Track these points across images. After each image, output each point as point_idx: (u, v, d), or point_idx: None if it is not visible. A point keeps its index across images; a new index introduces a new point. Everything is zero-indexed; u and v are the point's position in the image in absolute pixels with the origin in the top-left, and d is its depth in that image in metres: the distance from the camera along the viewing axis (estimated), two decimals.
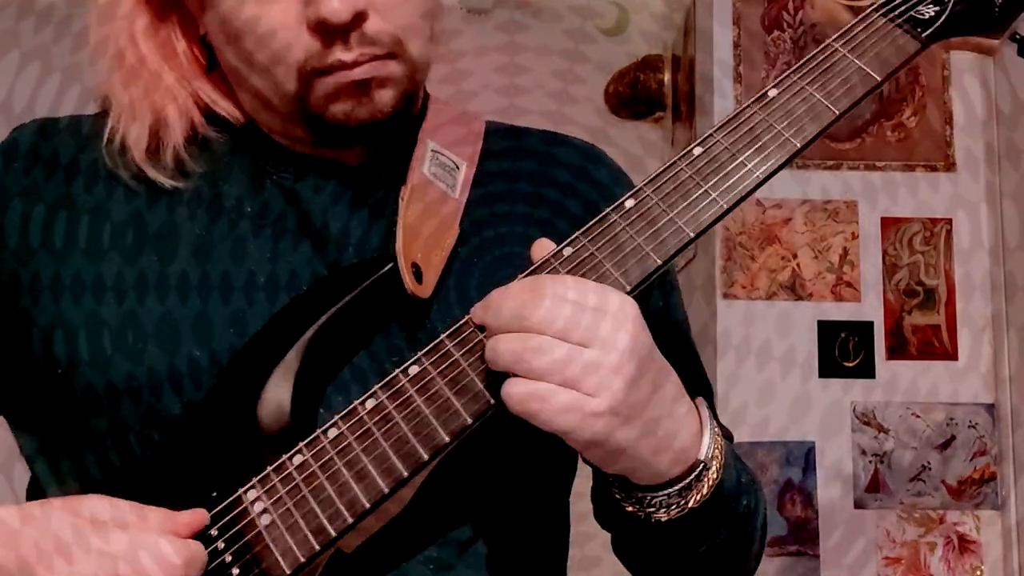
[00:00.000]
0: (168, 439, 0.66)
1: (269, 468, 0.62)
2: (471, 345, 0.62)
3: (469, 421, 0.61)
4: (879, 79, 0.69)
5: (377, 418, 0.61)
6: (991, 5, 0.74)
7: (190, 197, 0.73)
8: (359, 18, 0.66)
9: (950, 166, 2.16)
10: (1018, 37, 0.76)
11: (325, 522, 0.60)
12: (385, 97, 0.69)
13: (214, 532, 0.62)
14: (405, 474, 0.60)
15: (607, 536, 0.76)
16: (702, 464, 0.64)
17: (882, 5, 0.72)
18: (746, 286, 2.13)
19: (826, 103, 0.68)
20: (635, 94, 2.71)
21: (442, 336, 0.63)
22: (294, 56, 0.67)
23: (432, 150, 0.76)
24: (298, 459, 0.62)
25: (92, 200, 0.73)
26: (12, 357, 0.71)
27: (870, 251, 2.12)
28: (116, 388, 0.67)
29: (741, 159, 0.66)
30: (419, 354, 0.63)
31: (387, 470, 0.60)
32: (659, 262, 0.64)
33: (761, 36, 2.22)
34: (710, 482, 0.64)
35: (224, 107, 0.75)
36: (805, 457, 2.06)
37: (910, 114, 2.19)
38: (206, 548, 0.61)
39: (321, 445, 0.62)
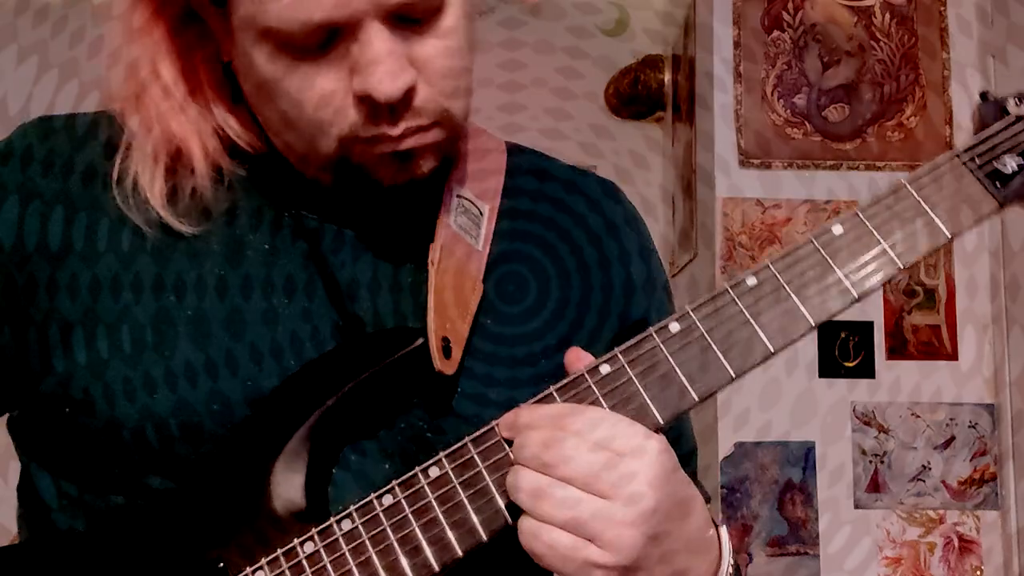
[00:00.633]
0: (173, 492, 0.64)
1: (279, 552, 0.61)
2: (495, 458, 0.60)
3: (484, 538, 0.59)
4: (950, 237, 0.63)
5: (393, 520, 0.60)
6: None
7: (206, 235, 0.69)
8: (409, 94, 0.63)
9: None
10: (984, 95, 0.69)
11: None
12: (427, 165, 0.66)
13: None
14: None
15: None
16: None
17: (965, 150, 0.65)
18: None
19: (892, 254, 0.63)
20: (635, 94, 2.70)
21: (466, 440, 0.61)
22: (337, 126, 0.64)
23: (458, 196, 0.73)
24: (309, 548, 0.60)
25: (105, 241, 0.68)
26: (18, 382, 0.69)
27: None
28: (127, 429, 0.65)
29: (795, 300, 0.61)
30: (441, 455, 0.61)
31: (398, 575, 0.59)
32: (696, 399, 0.61)
33: (761, 36, 2.22)
34: None
35: (247, 139, 0.71)
36: (805, 457, 2.06)
37: (911, 114, 2.19)
38: None
39: (334, 537, 0.60)
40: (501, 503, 0.60)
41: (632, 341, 0.62)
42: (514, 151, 0.80)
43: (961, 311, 2.11)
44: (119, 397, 0.65)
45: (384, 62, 0.61)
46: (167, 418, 0.64)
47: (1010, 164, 0.64)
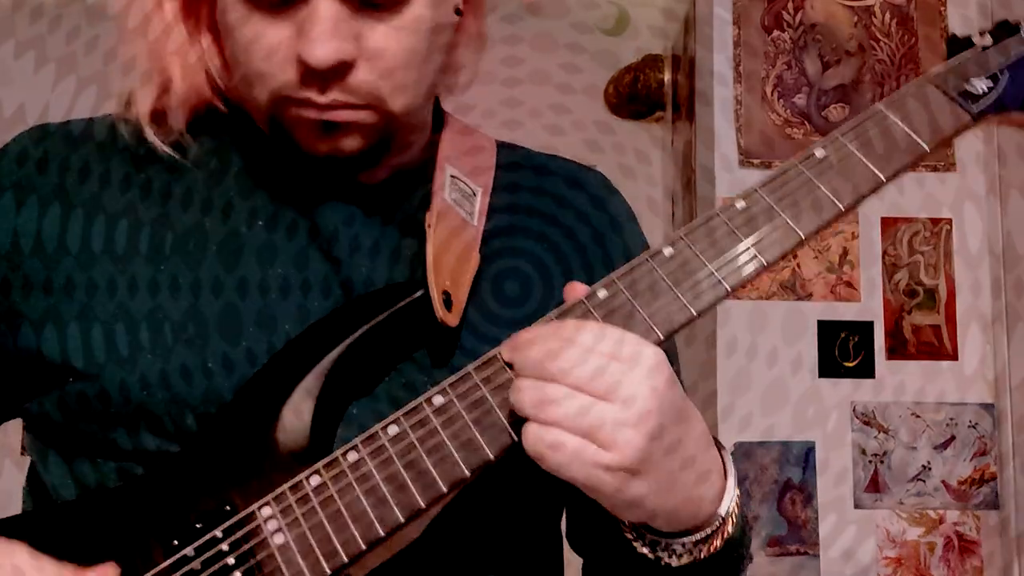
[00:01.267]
0: (183, 450, 0.65)
1: (285, 486, 0.61)
2: (498, 381, 0.61)
3: (491, 457, 0.60)
4: (928, 148, 0.67)
5: (398, 447, 0.61)
6: None
7: (203, 198, 0.72)
8: (343, 66, 0.65)
9: (950, 166, 2.16)
10: (953, 36, 0.75)
11: (339, 547, 0.59)
12: (351, 143, 0.68)
13: (225, 547, 0.61)
14: (423, 506, 0.60)
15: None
16: (721, 519, 0.64)
17: (936, 76, 0.70)
18: (745, 285, 2.12)
19: (872, 168, 0.66)
20: (635, 93, 2.70)
21: (469, 368, 0.62)
22: (272, 79, 0.66)
23: (451, 175, 0.75)
24: (315, 480, 0.61)
25: (113, 201, 0.71)
26: (18, 361, 0.70)
27: (870, 251, 2.12)
28: (131, 393, 0.66)
29: (784, 216, 0.65)
30: (444, 384, 0.62)
31: (405, 501, 0.60)
32: (694, 313, 0.63)
33: (761, 36, 2.22)
34: (725, 535, 0.64)
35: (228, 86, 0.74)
36: (805, 457, 2.05)
37: None
38: (216, 563, 0.60)
39: (340, 468, 0.61)
40: (506, 421, 0.60)
41: (627, 267, 0.64)
42: (505, 146, 0.83)
43: (962, 311, 2.11)
44: (123, 357, 0.67)
45: (322, 28, 0.63)
46: (172, 375, 0.66)
47: (980, 86, 0.69)
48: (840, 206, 0.65)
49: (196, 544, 0.61)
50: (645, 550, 0.64)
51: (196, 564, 0.60)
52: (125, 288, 0.68)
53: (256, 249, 0.70)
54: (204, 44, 0.72)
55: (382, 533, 0.60)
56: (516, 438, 0.60)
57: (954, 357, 2.09)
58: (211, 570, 0.60)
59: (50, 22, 2.54)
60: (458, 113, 0.83)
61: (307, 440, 0.63)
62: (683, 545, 0.63)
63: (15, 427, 0.77)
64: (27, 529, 0.63)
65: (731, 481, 0.65)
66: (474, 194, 0.75)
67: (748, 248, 0.64)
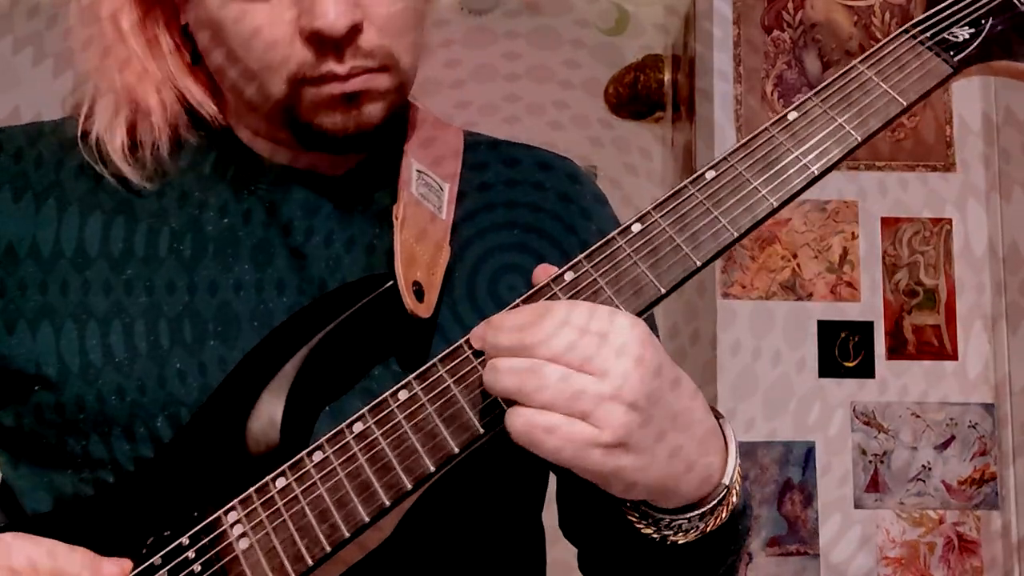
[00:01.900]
0: (155, 457, 0.65)
1: (251, 489, 0.60)
2: (464, 372, 0.60)
3: (456, 451, 0.59)
4: (905, 104, 0.65)
5: (363, 444, 0.59)
6: None
7: (170, 205, 0.71)
8: (354, 30, 0.65)
9: (950, 166, 2.15)
10: None
11: (303, 550, 0.58)
12: (374, 110, 0.68)
13: (191, 554, 0.60)
14: (387, 503, 0.58)
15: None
16: (725, 489, 0.62)
17: (912, 26, 0.68)
18: (746, 286, 2.12)
19: (848, 128, 0.64)
20: (635, 94, 2.70)
21: (434, 360, 0.61)
22: (285, 65, 0.66)
23: (417, 170, 0.74)
24: (281, 482, 0.60)
25: (75, 203, 0.71)
26: None
27: (870, 251, 2.12)
28: (103, 402, 0.66)
29: (755, 184, 0.63)
30: (410, 377, 0.61)
31: (369, 498, 0.58)
32: (663, 291, 0.61)
33: (761, 35, 2.22)
34: (730, 506, 0.63)
35: (208, 109, 0.73)
36: (805, 457, 2.05)
37: (910, 113, 2.19)
38: (183, 570, 0.59)
39: (305, 469, 0.60)
40: (469, 413, 0.59)
41: (595, 246, 0.62)
42: (472, 135, 0.82)
43: (962, 311, 2.10)
44: (96, 366, 0.66)
45: None
46: (143, 385, 0.66)
47: (960, 34, 0.67)
48: (813, 170, 0.63)
49: (163, 552, 0.60)
50: (650, 530, 0.62)
51: (163, 573, 0.60)
52: (90, 293, 0.68)
53: (223, 247, 0.70)
54: (177, 76, 0.72)
55: (347, 534, 0.58)
56: (482, 431, 0.59)
57: (954, 357, 2.09)
58: None
59: (47, 20, 2.54)
60: (458, 108, 0.83)
61: (278, 442, 0.62)
62: (688, 520, 0.61)
63: None
64: None
65: (732, 449, 0.63)
66: (441, 188, 0.75)
67: (716, 220, 0.62)
